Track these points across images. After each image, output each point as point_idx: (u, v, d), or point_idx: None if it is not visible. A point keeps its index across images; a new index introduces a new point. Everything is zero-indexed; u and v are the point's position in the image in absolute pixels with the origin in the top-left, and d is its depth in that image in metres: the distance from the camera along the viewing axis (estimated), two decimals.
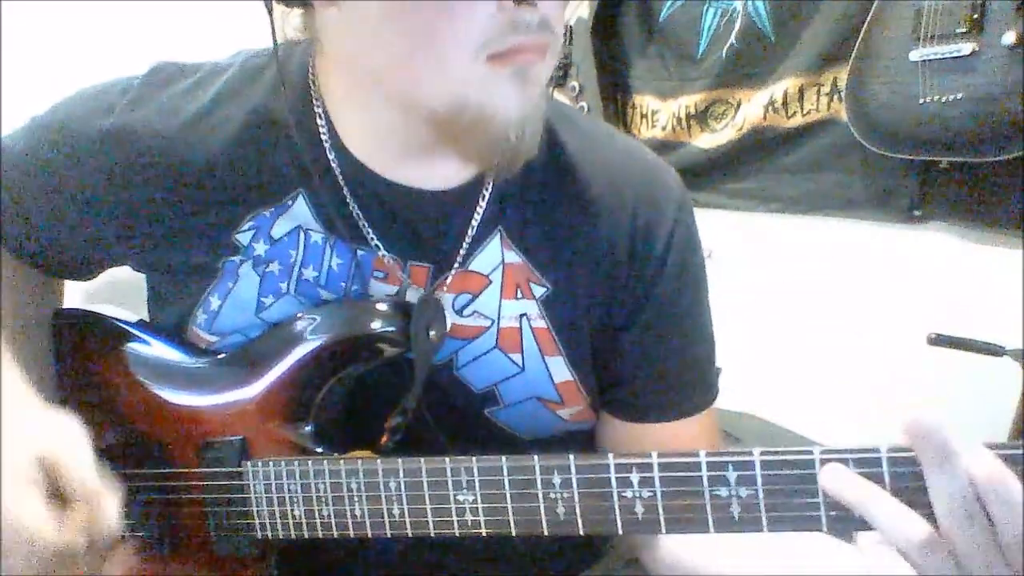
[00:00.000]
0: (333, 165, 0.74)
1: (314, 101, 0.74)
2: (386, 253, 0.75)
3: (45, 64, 1.99)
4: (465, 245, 0.74)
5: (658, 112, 2.08)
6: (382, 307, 0.74)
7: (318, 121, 0.74)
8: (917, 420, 0.51)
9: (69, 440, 0.68)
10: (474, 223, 0.74)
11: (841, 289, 1.76)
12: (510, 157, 0.66)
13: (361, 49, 0.67)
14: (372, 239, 0.75)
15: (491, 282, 0.75)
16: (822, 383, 1.78)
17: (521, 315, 0.76)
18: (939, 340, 1.37)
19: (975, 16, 1.33)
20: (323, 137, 0.73)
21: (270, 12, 0.70)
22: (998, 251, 1.50)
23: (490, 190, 0.74)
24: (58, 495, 0.66)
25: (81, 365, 0.85)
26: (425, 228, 0.75)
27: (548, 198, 0.75)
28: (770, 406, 1.65)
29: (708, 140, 1.96)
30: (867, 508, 0.52)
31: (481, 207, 0.74)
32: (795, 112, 1.77)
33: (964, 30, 1.34)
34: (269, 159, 0.74)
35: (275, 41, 0.72)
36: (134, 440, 0.77)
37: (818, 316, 1.80)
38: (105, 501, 0.67)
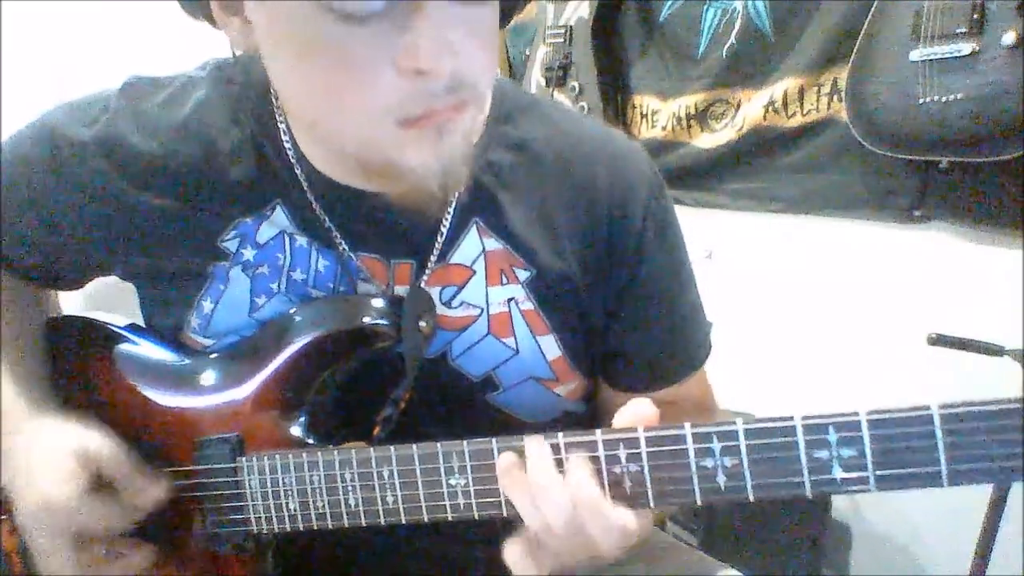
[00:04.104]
0: (299, 175, 0.74)
1: (276, 112, 0.75)
2: (359, 254, 0.76)
3: (45, 65, 1.99)
4: (441, 240, 0.75)
5: (658, 112, 2.08)
6: (373, 300, 0.74)
7: (282, 136, 0.75)
8: (501, 463, 0.61)
9: (97, 436, 0.75)
10: (447, 218, 0.75)
11: (841, 289, 1.76)
12: (436, 194, 0.67)
13: (284, 92, 0.69)
14: (343, 247, 0.75)
15: (475, 272, 0.76)
16: (822, 383, 1.79)
17: (509, 299, 0.76)
18: (939, 340, 1.37)
19: (975, 16, 1.33)
20: (287, 148, 0.74)
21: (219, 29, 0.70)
22: (998, 251, 1.50)
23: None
24: (101, 484, 0.73)
25: (76, 371, 0.85)
26: (399, 227, 0.75)
27: (521, 186, 0.76)
28: (770, 406, 1.65)
29: (708, 140, 1.96)
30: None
31: (452, 202, 0.75)
32: (795, 112, 1.77)
33: (964, 30, 1.34)
34: (244, 169, 0.75)
35: (241, 56, 0.73)
36: (130, 442, 0.77)
37: (818, 316, 1.80)
38: (145, 479, 0.75)
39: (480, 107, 0.66)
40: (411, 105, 0.60)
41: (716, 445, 0.57)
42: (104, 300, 0.96)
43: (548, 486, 0.59)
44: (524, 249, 0.76)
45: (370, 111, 0.60)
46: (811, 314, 1.81)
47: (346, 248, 0.75)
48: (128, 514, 0.74)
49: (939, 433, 0.52)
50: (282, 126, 0.74)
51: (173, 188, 0.75)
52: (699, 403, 0.84)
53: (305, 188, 0.75)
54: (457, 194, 0.74)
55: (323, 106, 0.63)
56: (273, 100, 0.75)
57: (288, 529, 0.72)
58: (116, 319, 0.86)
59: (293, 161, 0.74)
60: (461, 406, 0.78)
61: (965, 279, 1.56)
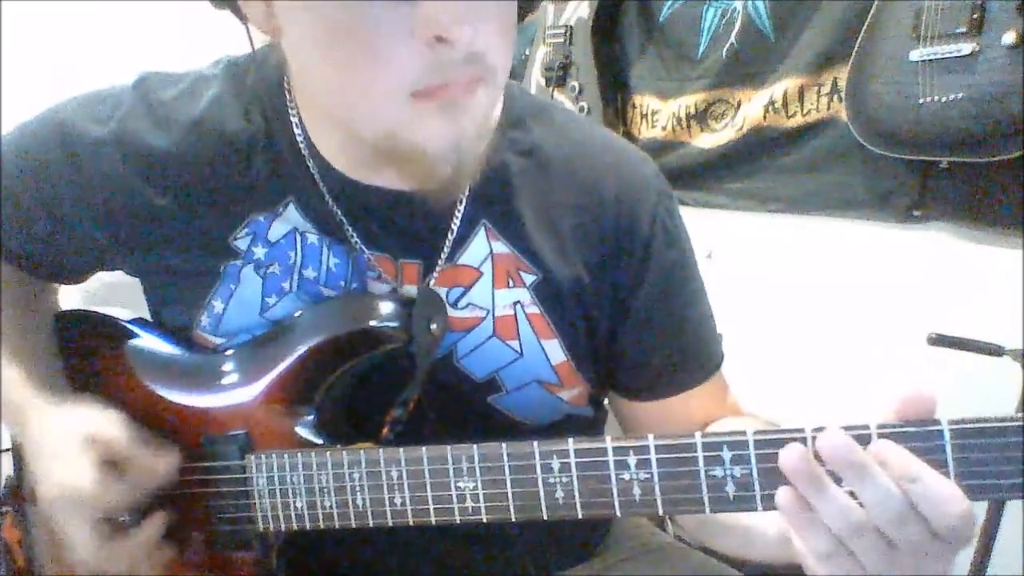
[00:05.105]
0: (312, 171, 0.75)
1: (289, 108, 0.75)
2: (368, 252, 0.76)
3: (45, 65, 1.99)
4: (450, 240, 0.75)
5: (658, 112, 2.08)
6: (384, 302, 0.74)
7: (295, 130, 0.75)
8: (830, 442, 0.52)
9: (108, 418, 0.75)
10: (456, 219, 0.75)
11: (841, 289, 1.76)
12: (450, 182, 0.68)
13: (303, 77, 0.70)
14: (356, 242, 0.75)
15: (482, 274, 0.76)
16: (822, 383, 1.79)
17: (515, 303, 0.77)
18: (939, 340, 1.37)
19: (975, 16, 1.33)
20: (300, 143, 0.75)
21: (245, 26, 0.70)
22: (998, 251, 1.50)
23: (468, 188, 0.75)
24: (113, 465, 0.74)
25: (85, 365, 0.86)
26: (409, 226, 0.76)
27: (530, 191, 0.77)
28: (770, 406, 1.65)
29: (708, 140, 1.96)
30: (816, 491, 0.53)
31: (461, 204, 0.75)
32: (795, 112, 1.78)
33: (964, 30, 1.35)
34: (258, 167, 0.75)
35: (254, 53, 0.74)
36: (139, 437, 0.77)
37: (818, 316, 1.80)
38: (155, 459, 0.75)
39: (495, 91, 0.67)
40: (429, 75, 0.61)
41: (726, 454, 0.56)
42: (103, 298, 0.96)
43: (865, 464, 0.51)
44: (531, 254, 0.76)
45: (388, 86, 0.61)
46: (811, 314, 1.81)
47: (359, 241, 0.75)
48: (140, 490, 0.75)
49: (949, 448, 0.51)
50: (295, 120, 0.75)
51: (186, 185, 0.75)
52: (713, 417, 0.82)
53: (319, 183, 0.75)
54: (467, 195, 0.74)
55: (342, 86, 0.64)
56: (287, 95, 0.75)
57: (295, 528, 0.72)
58: (123, 313, 0.86)
59: (306, 156, 0.75)
60: (464, 406, 0.78)
61: (965, 279, 1.56)
